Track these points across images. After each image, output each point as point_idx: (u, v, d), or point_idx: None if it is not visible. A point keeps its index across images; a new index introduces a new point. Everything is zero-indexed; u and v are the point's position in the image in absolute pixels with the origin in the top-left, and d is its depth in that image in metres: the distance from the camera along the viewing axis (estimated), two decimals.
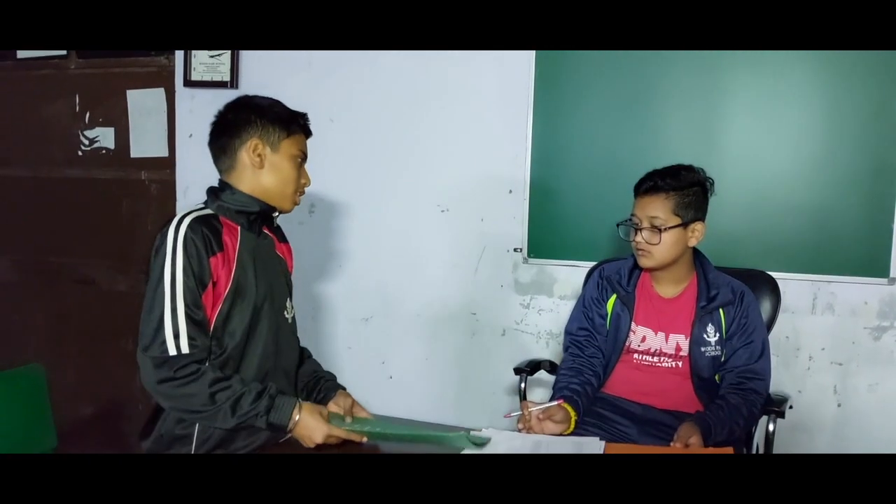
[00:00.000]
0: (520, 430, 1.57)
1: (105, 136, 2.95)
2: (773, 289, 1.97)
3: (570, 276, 2.46)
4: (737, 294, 1.76)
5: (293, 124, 1.60)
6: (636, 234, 1.74)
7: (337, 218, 2.72)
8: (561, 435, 1.58)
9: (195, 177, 2.85)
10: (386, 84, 2.61)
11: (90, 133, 2.97)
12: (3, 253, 3.14)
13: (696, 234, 1.74)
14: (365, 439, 1.47)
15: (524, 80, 2.45)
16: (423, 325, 2.66)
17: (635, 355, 1.79)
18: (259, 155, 1.56)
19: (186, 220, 1.47)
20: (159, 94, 2.85)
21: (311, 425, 1.44)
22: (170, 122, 2.85)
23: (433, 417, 1.77)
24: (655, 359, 1.78)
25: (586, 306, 1.88)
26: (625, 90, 2.37)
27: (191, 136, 2.83)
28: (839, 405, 2.30)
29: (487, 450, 1.41)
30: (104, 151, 2.96)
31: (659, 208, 1.71)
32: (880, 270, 2.21)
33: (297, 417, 1.44)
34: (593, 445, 1.45)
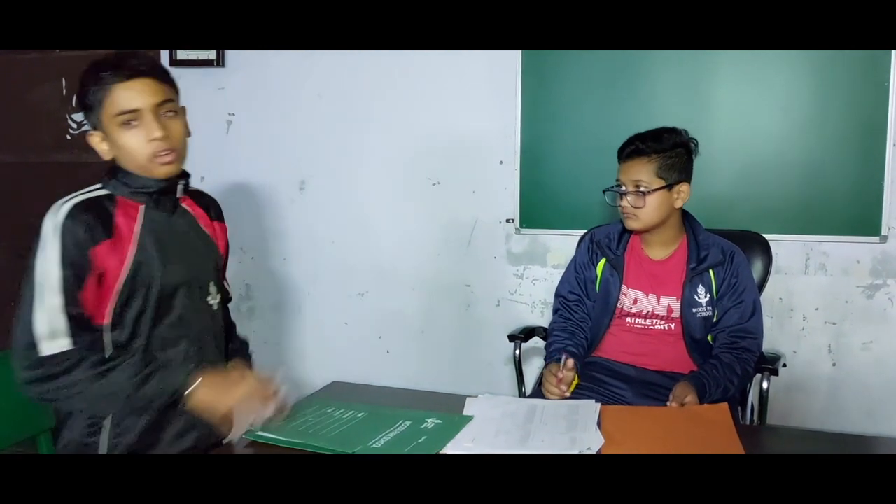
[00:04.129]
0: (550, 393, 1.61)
1: None
2: (765, 249, 1.98)
3: (563, 245, 2.46)
4: (727, 254, 1.77)
5: (97, 89, 1.34)
6: (622, 198, 1.75)
7: (327, 194, 2.71)
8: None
9: None
10: (374, 58, 2.58)
11: (78, 116, 2.94)
12: None
13: (682, 196, 1.75)
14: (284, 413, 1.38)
15: (513, 50, 2.43)
16: (418, 299, 2.66)
17: (628, 319, 1.80)
18: (100, 148, 1.38)
19: (66, 208, 1.32)
20: None
21: (210, 396, 1.32)
22: None
23: (431, 389, 1.78)
24: (648, 322, 1.79)
25: (578, 271, 1.89)
26: (614, 57, 2.35)
27: None
28: (834, 364, 2.32)
29: (484, 442, 1.37)
30: (86, 130, 2.94)
31: (642, 171, 1.72)
32: (872, 229, 2.21)
33: (191, 387, 1.32)
34: (589, 408, 1.45)
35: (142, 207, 1.40)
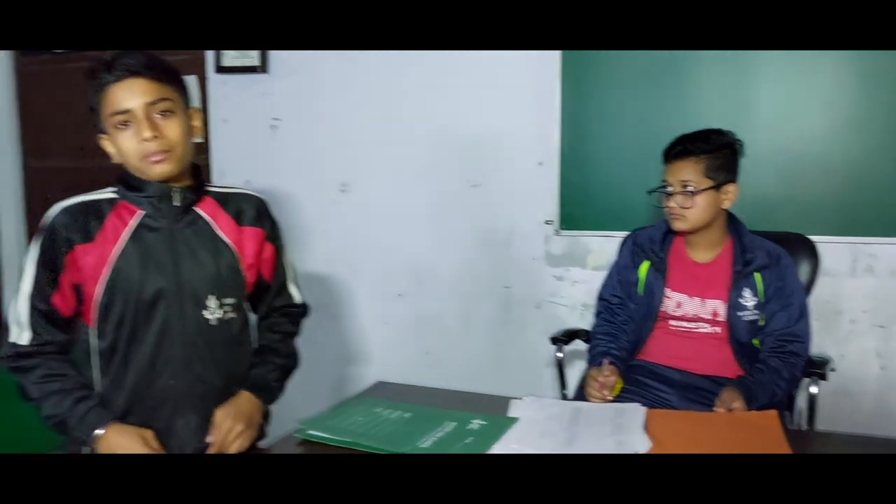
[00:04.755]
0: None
1: None
2: (812, 252, 1.94)
3: (604, 246, 2.45)
4: (773, 257, 1.75)
5: (96, 90, 1.34)
6: (669, 199, 1.74)
7: (369, 195, 2.75)
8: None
9: (230, 161, 2.90)
10: (416, 60, 2.60)
11: None
12: None
13: (730, 196, 1.74)
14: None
15: (553, 51, 2.42)
16: (457, 300, 2.68)
17: (671, 322, 1.79)
18: (110, 151, 1.39)
19: (54, 209, 1.38)
20: (192, 81, 2.88)
21: (114, 445, 1.32)
22: (203, 108, 2.89)
23: (470, 390, 1.79)
24: (693, 324, 1.77)
25: (620, 273, 1.88)
26: (654, 57, 2.34)
27: (225, 121, 2.87)
28: (882, 368, 2.27)
29: (528, 436, 1.38)
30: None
31: (690, 172, 1.71)
32: None
33: (98, 431, 1.33)
34: (635, 411, 1.45)
35: (138, 212, 1.39)
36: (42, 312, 1.37)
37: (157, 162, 1.34)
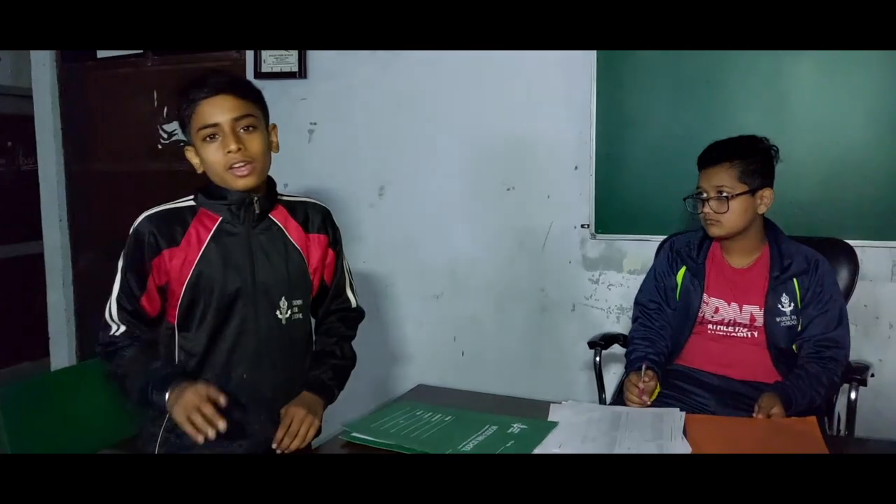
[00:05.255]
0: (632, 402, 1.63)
1: None
2: (851, 257, 1.94)
3: (640, 250, 2.46)
4: (811, 263, 1.75)
5: (187, 106, 1.44)
6: (704, 205, 1.75)
7: (406, 199, 2.78)
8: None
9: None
10: (451, 64, 2.63)
11: (168, 127, 3.10)
12: (89, 245, 3.33)
13: (765, 201, 1.74)
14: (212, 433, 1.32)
15: (587, 55, 2.44)
16: (492, 302, 2.70)
17: (710, 326, 1.80)
18: (194, 162, 1.49)
19: (141, 217, 1.48)
20: None
21: (185, 397, 1.34)
22: None
23: (506, 392, 1.81)
24: (731, 328, 1.78)
25: (657, 279, 1.89)
26: (691, 59, 2.33)
27: None
28: None
29: (569, 438, 1.41)
30: (182, 144, 3.08)
31: (724, 177, 1.72)
32: None
33: (171, 389, 1.37)
34: (674, 416, 1.46)
35: (218, 219, 1.49)
36: (131, 312, 1.49)
37: (242, 175, 1.44)
